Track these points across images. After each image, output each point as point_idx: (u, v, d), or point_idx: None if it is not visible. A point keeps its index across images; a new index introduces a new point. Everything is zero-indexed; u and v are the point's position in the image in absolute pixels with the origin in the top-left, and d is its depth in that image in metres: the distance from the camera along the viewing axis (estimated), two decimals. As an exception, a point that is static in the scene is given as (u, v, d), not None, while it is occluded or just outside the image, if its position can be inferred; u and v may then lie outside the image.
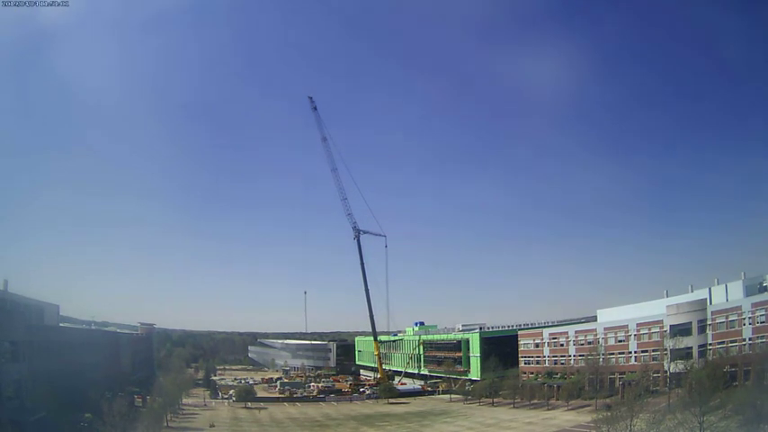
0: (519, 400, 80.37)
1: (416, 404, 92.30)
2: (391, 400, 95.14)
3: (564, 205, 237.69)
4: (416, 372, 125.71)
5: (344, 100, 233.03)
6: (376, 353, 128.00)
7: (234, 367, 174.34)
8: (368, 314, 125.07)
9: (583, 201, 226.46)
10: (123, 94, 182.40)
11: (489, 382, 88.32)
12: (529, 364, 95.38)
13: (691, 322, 69.27)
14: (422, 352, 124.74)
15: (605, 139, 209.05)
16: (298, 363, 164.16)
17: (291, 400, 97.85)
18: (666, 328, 71.69)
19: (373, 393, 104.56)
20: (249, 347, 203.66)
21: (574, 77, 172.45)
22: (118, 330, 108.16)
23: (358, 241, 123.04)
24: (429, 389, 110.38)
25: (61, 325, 79.75)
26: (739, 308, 65.26)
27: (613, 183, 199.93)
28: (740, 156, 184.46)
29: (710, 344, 66.92)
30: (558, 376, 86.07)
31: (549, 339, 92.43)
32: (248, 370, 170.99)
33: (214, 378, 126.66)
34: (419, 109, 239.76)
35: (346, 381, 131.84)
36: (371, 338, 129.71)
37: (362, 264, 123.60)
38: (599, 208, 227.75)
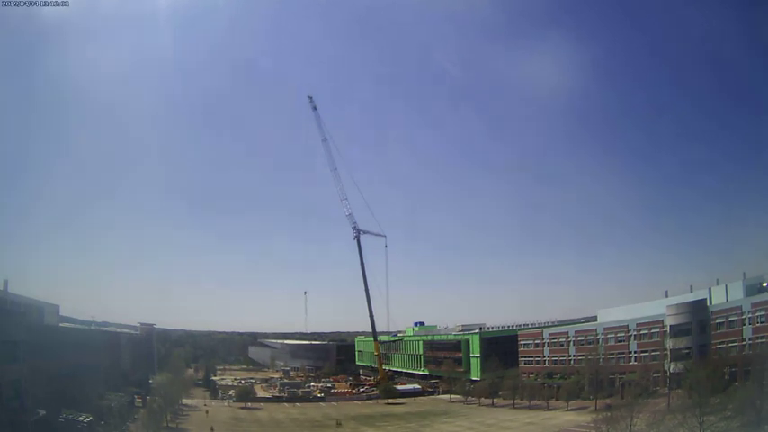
0: (519, 401, 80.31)
1: (416, 404, 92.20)
2: (391, 401, 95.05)
3: (563, 205, 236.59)
4: (416, 372, 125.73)
5: (345, 98, 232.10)
6: (376, 353, 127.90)
7: (234, 367, 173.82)
8: (368, 314, 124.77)
9: (582, 200, 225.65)
10: (123, 93, 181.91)
11: (489, 382, 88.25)
12: (529, 364, 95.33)
13: (691, 322, 69.16)
14: (422, 352, 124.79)
15: (605, 138, 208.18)
16: (298, 363, 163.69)
17: (291, 400, 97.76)
18: (666, 328, 71.63)
19: (373, 393, 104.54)
20: (249, 347, 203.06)
21: (572, 79, 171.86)
22: (118, 330, 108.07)
23: (358, 241, 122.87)
24: (429, 389, 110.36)
25: (61, 325, 79.95)
26: (739, 308, 65.32)
27: (613, 182, 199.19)
28: (741, 155, 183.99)
29: (711, 344, 66.97)
30: (558, 376, 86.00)
31: (549, 339, 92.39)
32: (248, 370, 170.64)
33: (214, 378, 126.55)
34: (421, 109, 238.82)
35: (346, 381, 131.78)
36: (371, 338, 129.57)
37: (362, 264, 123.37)
38: (599, 207, 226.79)
